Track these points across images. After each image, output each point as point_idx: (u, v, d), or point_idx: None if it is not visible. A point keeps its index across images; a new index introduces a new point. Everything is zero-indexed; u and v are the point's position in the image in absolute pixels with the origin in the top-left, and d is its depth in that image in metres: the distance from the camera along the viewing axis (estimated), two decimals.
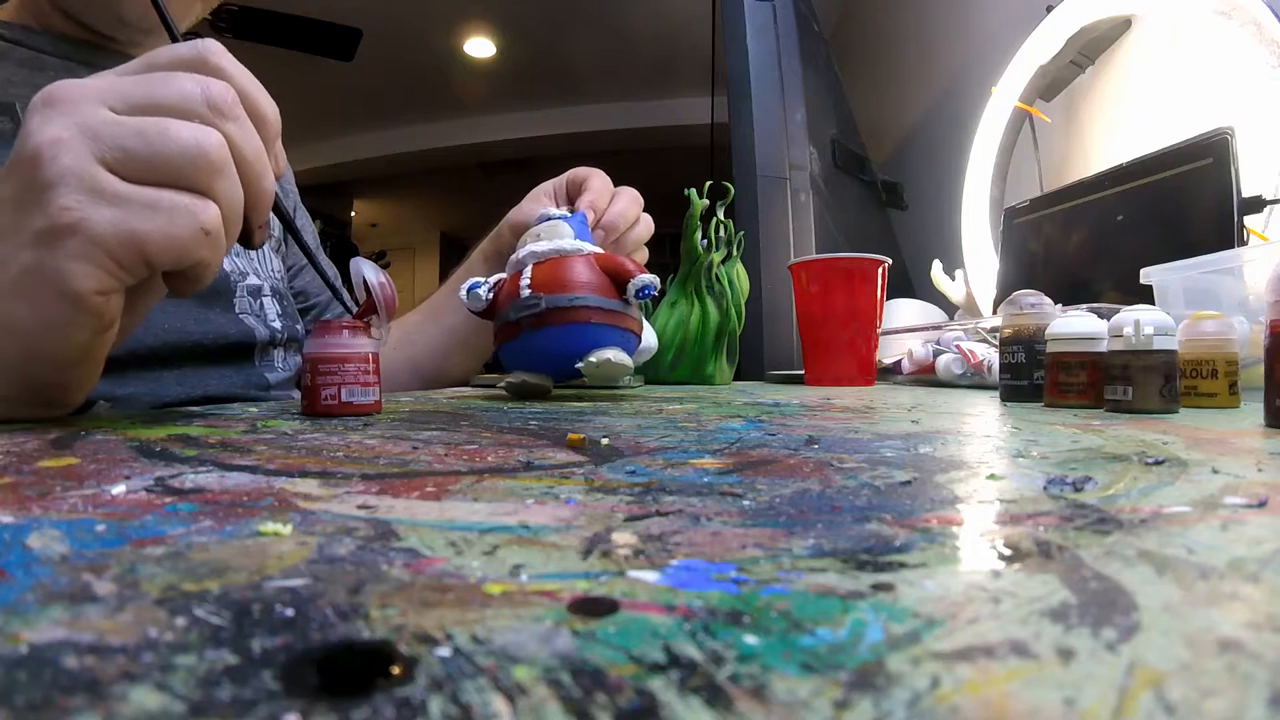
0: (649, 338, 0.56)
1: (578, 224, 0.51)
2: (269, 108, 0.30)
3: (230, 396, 0.52)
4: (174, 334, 0.49)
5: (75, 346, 0.28)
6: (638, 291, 0.47)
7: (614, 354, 0.46)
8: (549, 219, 0.50)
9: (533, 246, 0.48)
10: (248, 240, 0.31)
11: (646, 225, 0.61)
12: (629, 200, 0.59)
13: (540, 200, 0.64)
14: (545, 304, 0.45)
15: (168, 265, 0.27)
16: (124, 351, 0.46)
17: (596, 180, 0.60)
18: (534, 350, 0.47)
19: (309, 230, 0.73)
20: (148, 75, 0.28)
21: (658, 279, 0.47)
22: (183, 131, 0.26)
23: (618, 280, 0.47)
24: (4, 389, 0.30)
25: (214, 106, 0.28)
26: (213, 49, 0.29)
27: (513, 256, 0.50)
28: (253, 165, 0.29)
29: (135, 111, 0.27)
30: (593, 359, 0.45)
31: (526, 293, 0.46)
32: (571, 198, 0.63)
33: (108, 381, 0.45)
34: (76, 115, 0.26)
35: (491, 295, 0.49)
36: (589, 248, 0.49)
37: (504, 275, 0.50)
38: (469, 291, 0.49)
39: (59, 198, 0.25)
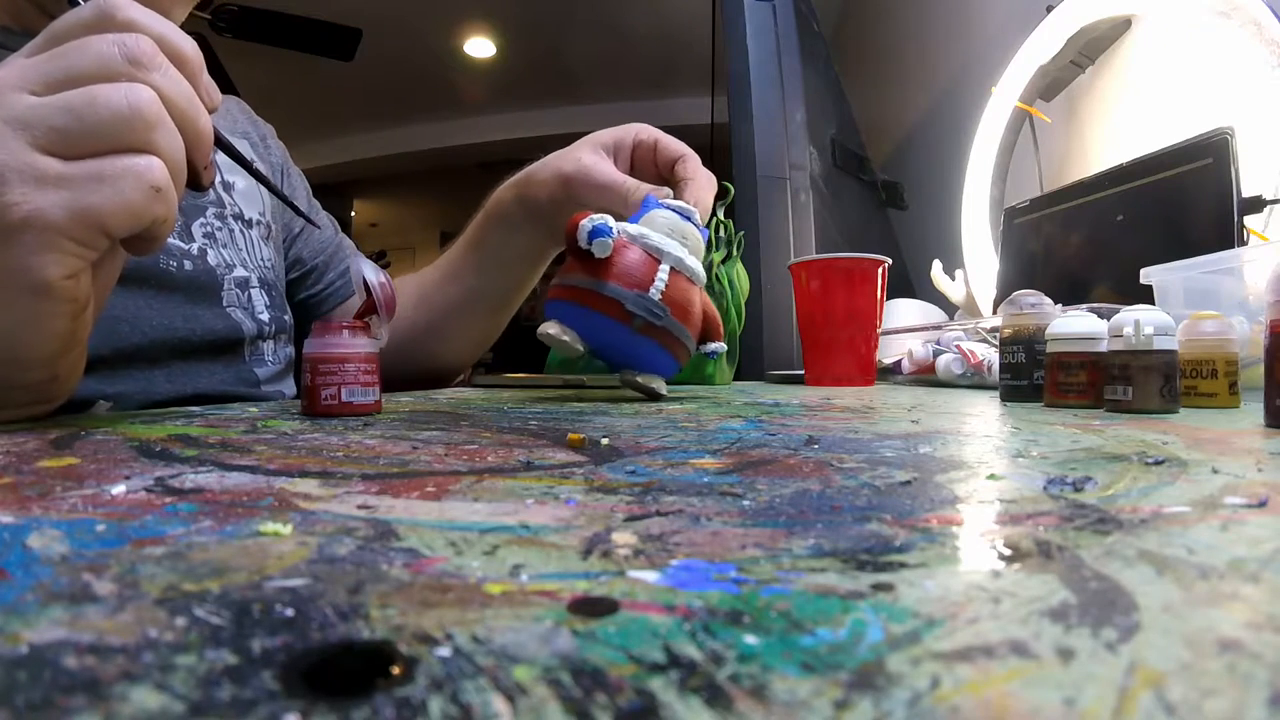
0: None
1: (706, 238, 0.51)
2: (187, 45, 0.29)
3: (221, 393, 0.52)
4: (162, 331, 0.49)
5: (57, 336, 0.28)
6: (710, 353, 0.49)
7: (661, 383, 0.49)
8: (686, 216, 0.49)
9: (678, 251, 0.46)
10: (196, 183, 0.31)
11: (712, 182, 0.58)
12: (710, 194, 0.56)
13: (597, 152, 0.58)
14: (664, 323, 0.45)
15: (126, 232, 0.27)
16: (112, 350, 0.46)
17: (695, 166, 0.56)
18: (619, 343, 0.46)
19: (301, 190, 0.72)
20: (60, 49, 0.27)
21: (726, 346, 0.50)
22: (111, 95, 0.26)
23: (706, 332, 0.49)
24: (3, 393, 0.30)
25: (134, 61, 0.27)
26: (112, 2, 0.28)
27: (647, 230, 0.46)
28: (185, 110, 0.28)
29: (57, 89, 0.26)
30: (646, 381, 0.48)
31: (658, 296, 0.45)
32: (643, 161, 0.58)
33: (98, 380, 0.45)
34: (2, 105, 0.25)
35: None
36: (702, 275, 0.49)
37: (625, 229, 0.47)
38: (599, 237, 0.44)
39: (4, 194, 0.25)
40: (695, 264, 0.47)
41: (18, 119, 0.25)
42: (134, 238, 0.28)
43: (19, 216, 0.25)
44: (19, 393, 0.30)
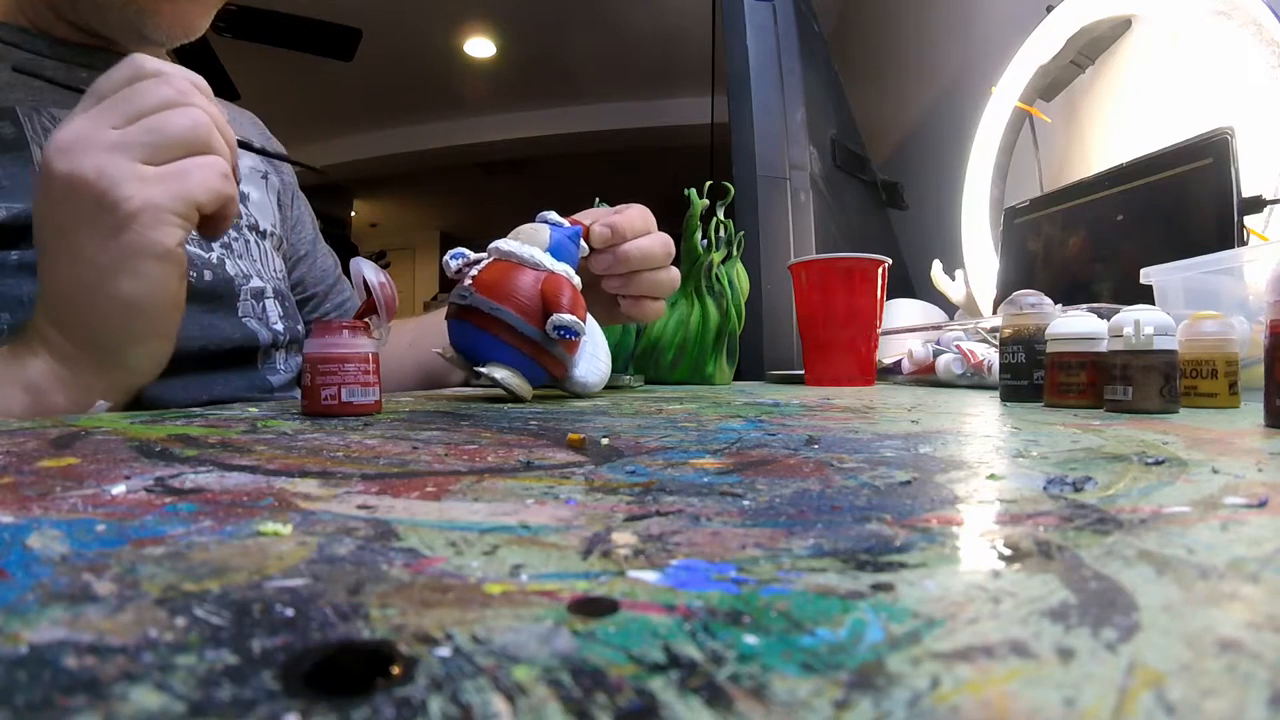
0: (588, 372, 0.52)
1: (562, 236, 0.48)
2: (202, 82, 0.38)
3: (235, 400, 0.52)
4: (181, 340, 0.49)
5: (171, 293, 0.37)
6: (553, 328, 0.44)
7: (503, 374, 0.44)
8: (545, 221, 0.49)
9: (499, 242, 0.48)
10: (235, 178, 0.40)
11: (664, 244, 0.56)
12: (656, 241, 0.55)
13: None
14: (470, 301, 0.45)
15: (211, 207, 0.36)
16: None
17: (634, 209, 0.55)
18: (451, 334, 0.47)
19: (307, 217, 0.73)
20: (120, 95, 0.35)
21: (580, 323, 0.45)
22: (178, 118, 0.35)
23: (546, 309, 0.45)
24: (132, 359, 0.38)
25: (181, 94, 0.36)
26: (137, 59, 0.36)
27: (499, 242, 0.49)
28: (221, 123, 0.38)
29: (132, 122, 0.34)
30: (487, 371, 0.44)
31: (468, 283, 0.46)
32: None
33: None
34: (95, 142, 0.33)
35: (465, 269, 0.48)
36: (549, 264, 0.46)
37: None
38: (450, 256, 0.49)
39: (120, 192, 0.33)
40: (515, 247, 0.47)
41: (114, 144, 0.34)
42: (210, 220, 0.37)
43: (135, 206, 0.33)
44: (144, 360, 0.39)
